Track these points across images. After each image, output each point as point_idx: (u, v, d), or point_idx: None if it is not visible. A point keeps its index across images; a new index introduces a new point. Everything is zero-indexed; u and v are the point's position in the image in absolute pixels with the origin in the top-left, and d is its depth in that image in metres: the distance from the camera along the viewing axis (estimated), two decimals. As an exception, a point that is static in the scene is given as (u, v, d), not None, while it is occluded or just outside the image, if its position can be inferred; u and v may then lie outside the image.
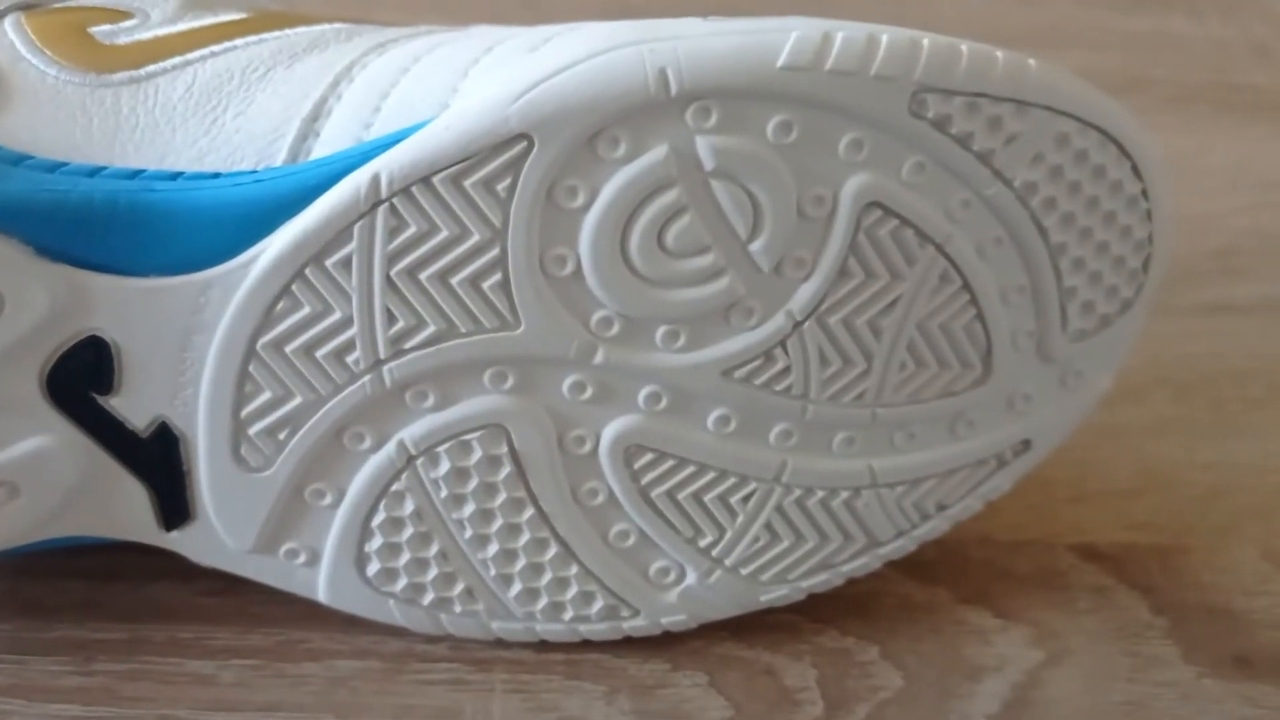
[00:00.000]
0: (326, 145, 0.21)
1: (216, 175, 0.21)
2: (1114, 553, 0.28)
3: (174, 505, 0.23)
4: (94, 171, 0.21)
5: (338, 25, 0.24)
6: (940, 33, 0.22)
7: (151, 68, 0.22)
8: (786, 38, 0.20)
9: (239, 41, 0.23)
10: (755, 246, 0.21)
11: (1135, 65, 0.48)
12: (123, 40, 0.23)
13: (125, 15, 0.23)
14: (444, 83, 0.21)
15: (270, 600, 0.25)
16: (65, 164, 0.21)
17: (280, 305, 0.21)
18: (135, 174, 0.21)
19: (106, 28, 0.23)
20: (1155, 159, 0.23)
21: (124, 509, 0.23)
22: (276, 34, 0.23)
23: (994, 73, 0.21)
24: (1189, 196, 0.41)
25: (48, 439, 0.22)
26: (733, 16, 0.22)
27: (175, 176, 0.21)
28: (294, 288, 0.21)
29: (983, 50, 0.21)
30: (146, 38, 0.23)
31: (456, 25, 0.24)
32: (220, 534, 0.23)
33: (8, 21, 0.23)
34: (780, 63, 0.20)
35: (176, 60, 0.22)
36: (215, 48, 0.23)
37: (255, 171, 0.21)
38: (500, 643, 0.25)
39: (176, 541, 0.23)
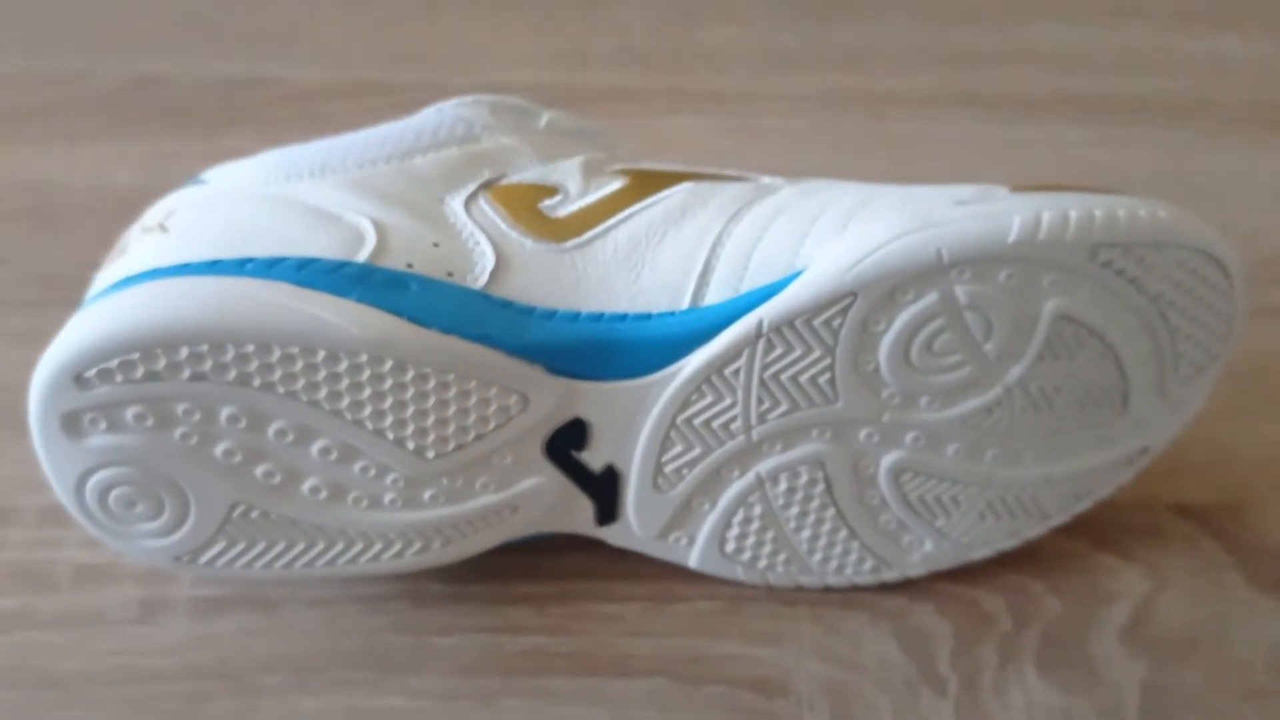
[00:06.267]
0: (715, 294, 0.33)
1: (649, 316, 0.33)
2: (1198, 510, 0.41)
3: (607, 511, 0.35)
4: (575, 317, 0.32)
5: (689, 185, 0.35)
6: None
7: (587, 235, 0.34)
8: (1012, 221, 0.32)
9: (634, 208, 0.34)
10: (987, 348, 0.33)
11: (1196, 88, 0.58)
12: (561, 214, 0.34)
13: (552, 191, 0.35)
14: (788, 250, 0.33)
15: (644, 564, 0.38)
16: (556, 311, 0.33)
17: (693, 396, 0.33)
18: (599, 317, 0.33)
19: (547, 203, 0.34)
20: (1236, 259, 0.34)
21: (575, 515, 0.35)
22: (652, 199, 0.34)
23: (1140, 227, 0.33)
24: (1243, 212, 0.52)
25: (541, 478, 0.34)
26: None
27: (624, 318, 0.33)
28: (703, 386, 0.33)
29: (1132, 212, 0.33)
30: (575, 210, 0.34)
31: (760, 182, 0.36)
32: (634, 528, 0.36)
33: (482, 200, 0.34)
34: (1011, 239, 0.32)
35: (598, 229, 0.34)
36: (619, 215, 0.34)
37: (674, 314, 0.33)
38: (800, 589, 0.37)
39: (603, 532, 0.36)
